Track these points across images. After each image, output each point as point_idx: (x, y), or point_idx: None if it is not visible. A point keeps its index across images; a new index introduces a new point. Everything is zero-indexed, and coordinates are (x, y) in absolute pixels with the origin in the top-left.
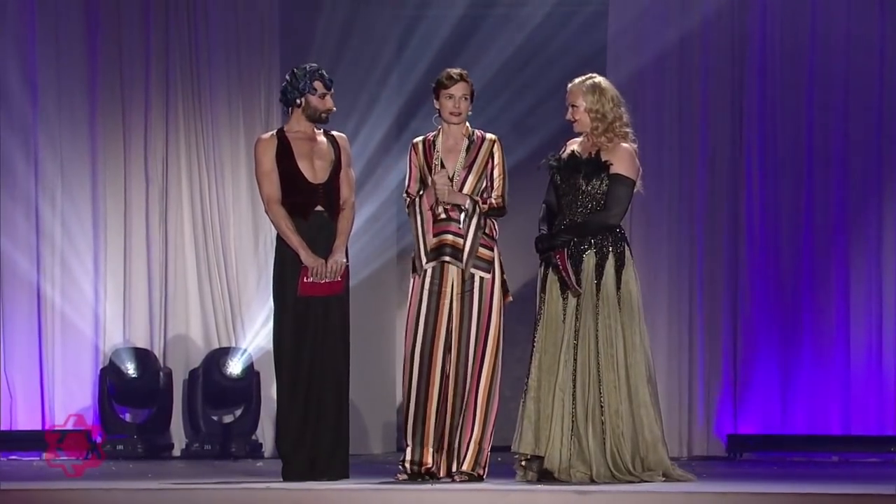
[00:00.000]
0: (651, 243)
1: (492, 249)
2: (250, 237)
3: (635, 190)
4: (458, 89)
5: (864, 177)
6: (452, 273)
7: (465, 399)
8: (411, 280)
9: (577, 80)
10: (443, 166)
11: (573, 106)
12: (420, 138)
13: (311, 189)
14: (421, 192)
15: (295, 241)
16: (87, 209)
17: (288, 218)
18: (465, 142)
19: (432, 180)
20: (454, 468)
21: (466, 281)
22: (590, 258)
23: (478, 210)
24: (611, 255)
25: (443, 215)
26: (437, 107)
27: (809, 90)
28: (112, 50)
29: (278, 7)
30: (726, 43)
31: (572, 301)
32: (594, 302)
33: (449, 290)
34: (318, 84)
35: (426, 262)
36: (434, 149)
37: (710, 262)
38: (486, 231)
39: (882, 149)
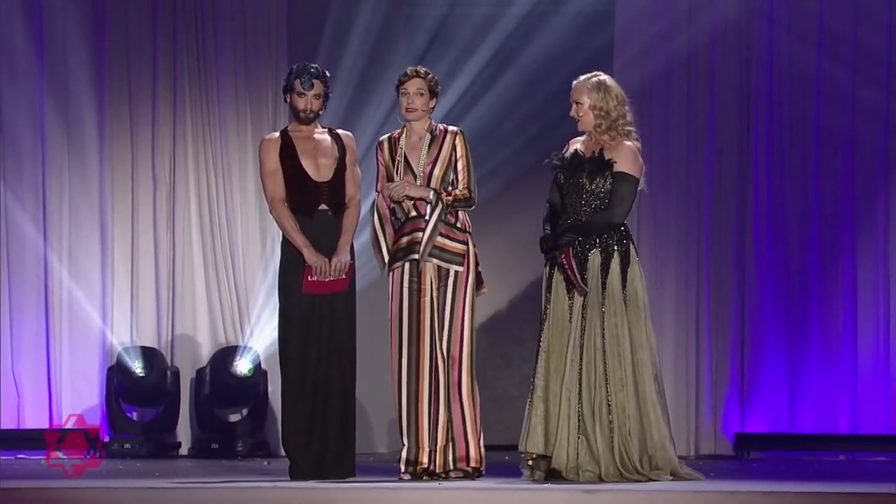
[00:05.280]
0: (658, 243)
1: (465, 243)
2: (257, 236)
3: (639, 188)
4: (411, 86)
5: (871, 177)
6: (430, 270)
7: (449, 395)
8: (390, 278)
9: (582, 78)
10: (407, 162)
11: (577, 103)
12: (386, 136)
13: (315, 188)
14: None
15: (299, 240)
16: (95, 209)
17: (292, 217)
18: (428, 137)
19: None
20: (452, 465)
21: (442, 276)
22: (595, 257)
23: (441, 203)
24: (616, 254)
25: (413, 212)
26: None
27: (817, 89)
28: (120, 50)
29: (286, 7)
30: (734, 45)
31: (578, 300)
32: (600, 301)
33: (428, 286)
34: (296, 83)
35: (394, 262)
36: (398, 146)
37: (717, 262)
38: (459, 225)
39: (890, 149)
